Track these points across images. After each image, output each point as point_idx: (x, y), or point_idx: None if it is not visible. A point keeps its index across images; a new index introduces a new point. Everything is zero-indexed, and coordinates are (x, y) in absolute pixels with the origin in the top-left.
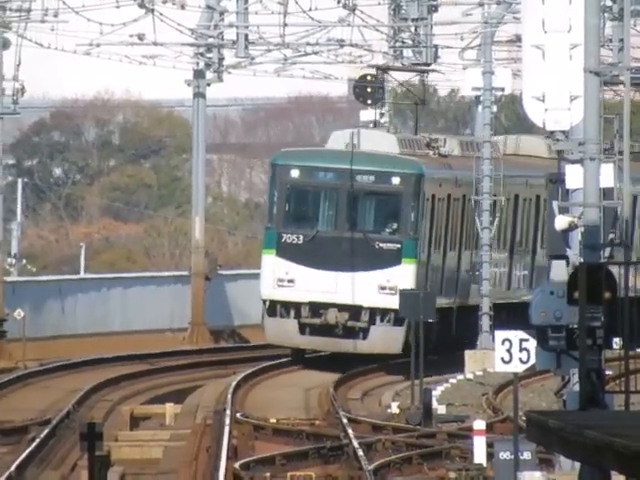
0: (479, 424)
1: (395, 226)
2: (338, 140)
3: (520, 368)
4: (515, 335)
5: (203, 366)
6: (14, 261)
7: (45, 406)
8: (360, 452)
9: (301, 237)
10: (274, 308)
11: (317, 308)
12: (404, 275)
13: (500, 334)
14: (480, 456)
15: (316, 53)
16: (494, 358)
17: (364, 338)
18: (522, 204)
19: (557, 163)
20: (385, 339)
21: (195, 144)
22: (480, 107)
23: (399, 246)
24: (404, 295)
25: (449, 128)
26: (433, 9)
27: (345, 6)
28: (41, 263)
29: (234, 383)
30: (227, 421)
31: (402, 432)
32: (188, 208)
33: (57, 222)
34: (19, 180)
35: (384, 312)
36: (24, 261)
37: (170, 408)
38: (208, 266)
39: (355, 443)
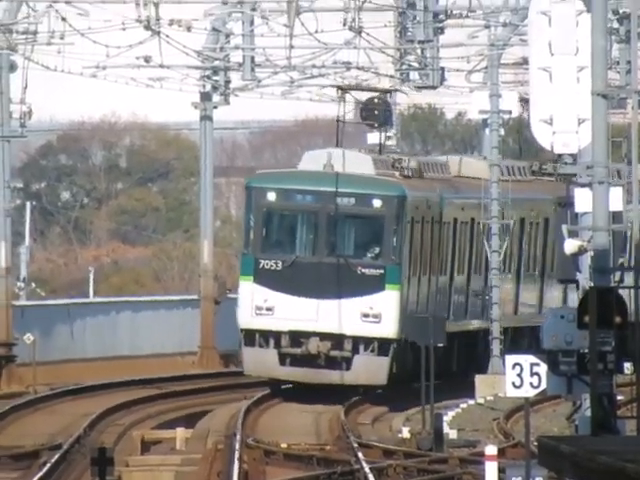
0: (491, 449)
1: (377, 251)
2: (312, 161)
3: (531, 393)
4: (526, 360)
5: (213, 390)
6: (23, 285)
7: (56, 431)
8: (371, 477)
9: (279, 263)
10: (252, 337)
11: (297, 337)
12: (388, 302)
13: (511, 358)
14: None
15: (322, 75)
16: (505, 383)
17: (347, 368)
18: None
19: (566, 187)
20: (369, 369)
21: (202, 167)
22: (487, 130)
23: (382, 271)
24: (413, 320)
25: (456, 151)
26: (439, 31)
27: (351, 28)
28: (50, 287)
29: (244, 407)
30: (238, 446)
31: (413, 457)
32: (196, 232)
33: (66, 245)
34: (27, 203)
35: (368, 341)
36: (33, 285)
37: (181, 433)
38: (217, 290)
39: (366, 468)
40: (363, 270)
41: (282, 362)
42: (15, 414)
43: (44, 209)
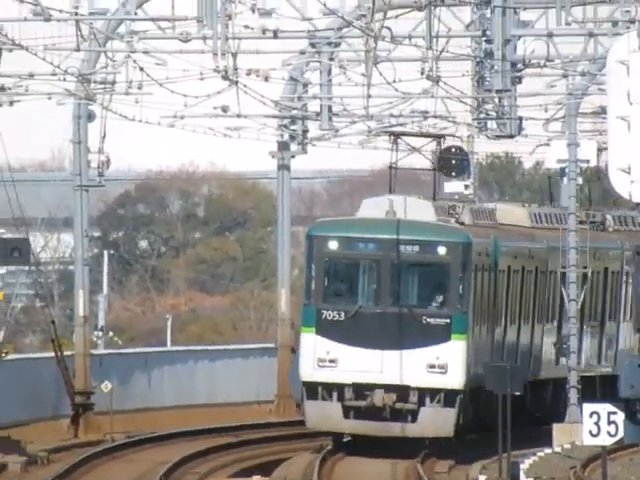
0: None
1: (443, 299)
2: (371, 208)
3: (608, 441)
4: (603, 408)
5: (290, 438)
6: (101, 334)
7: (133, 479)
8: None
9: (342, 313)
10: (315, 390)
11: (362, 390)
12: (454, 352)
13: (588, 407)
14: None
15: (400, 125)
16: (582, 431)
17: (413, 421)
18: (527, 276)
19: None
20: (436, 421)
21: (280, 216)
22: (565, 179)
23: (448, 321)
24: (491, 368)
25: (534, 200)
26: (517, 80)
27: (429, 78)
28: (127, 335)
29: (321, 456)
30: None
31: None
32: (274, 281)
33: (143, 294)
34: (105, 252)
35: (434, 392)
36: (110, 334)
37: None
38: (294, 338)
39: None
40: (428, 320)
41: (346, 415)
42: (92, 462)
43: (122, 258)
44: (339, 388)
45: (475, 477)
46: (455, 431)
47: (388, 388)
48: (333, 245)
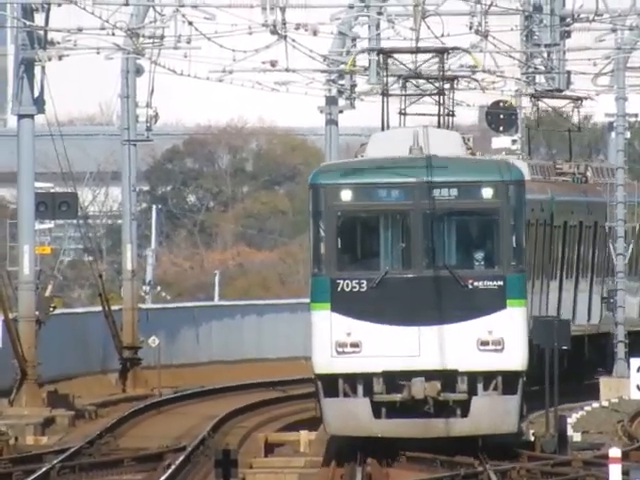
0: (615, 452)
1: (492, 256)
2: (383, 144)
3: None
4: None
5: None
6: (148, 288)
7: (180, 433)
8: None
9: (364, 283)
10: (334, 385)
11: (395, 379)
12: (511, 322)
13: (636, 362)
14: None
15: (450, 78)
16: (630, 386)
17: (463, 415)
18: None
19: None
20: (493, 414)
21: None
22: (613, 133)
23: (501, 283)
24: (538, 322)
25: (582, 154)
26: (566, 35)
27: (477, 32)
28: (175, 290)
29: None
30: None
31: (537, 460)
32: None
33: (191, 249)
34: (153, 207)
35: (488, 377)
36: (158, 288)
37: (304, 435)
38: None
39: (490, 471)
40: (475, 284)
41: (377, 414)
42: (140, 416)
43: (170, 212)
44: (366, 379)
45: (523, 432)
46: (518, 424)
47: (429, 375)
48: (346, 195)
